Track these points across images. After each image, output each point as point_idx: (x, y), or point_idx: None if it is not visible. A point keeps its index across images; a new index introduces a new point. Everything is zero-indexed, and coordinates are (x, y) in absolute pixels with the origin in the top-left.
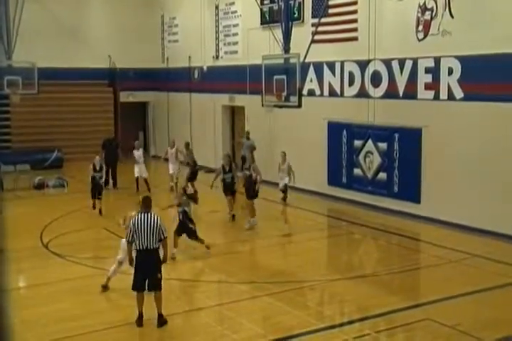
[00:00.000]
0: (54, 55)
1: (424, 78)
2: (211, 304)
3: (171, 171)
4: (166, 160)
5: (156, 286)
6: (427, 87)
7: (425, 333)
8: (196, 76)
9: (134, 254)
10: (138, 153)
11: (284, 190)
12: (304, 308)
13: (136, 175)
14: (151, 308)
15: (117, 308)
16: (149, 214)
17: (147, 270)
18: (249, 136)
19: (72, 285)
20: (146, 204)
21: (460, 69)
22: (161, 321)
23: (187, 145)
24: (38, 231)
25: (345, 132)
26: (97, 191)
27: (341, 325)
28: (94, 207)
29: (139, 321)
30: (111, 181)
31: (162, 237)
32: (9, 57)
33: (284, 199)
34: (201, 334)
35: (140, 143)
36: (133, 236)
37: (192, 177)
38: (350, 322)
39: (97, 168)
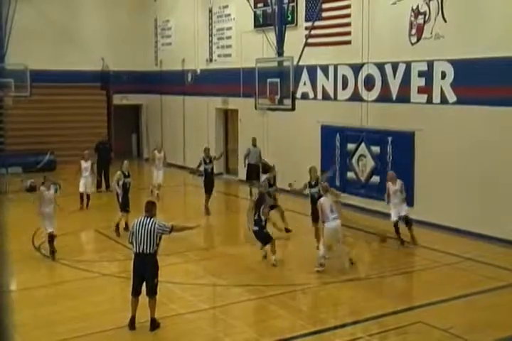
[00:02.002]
0: (47, 57)
1: (417, 82)
2: (204, 307)
3: (155, 180)
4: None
5: (152, 291)
6: (420, 90)
7: (418, 336)
8: (190, 79)
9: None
10: (85, 165)
11: (408, 221)
12: (297, 311)
13: (80, 190)
14: (144, 311)
15: (110, 311)
16: (148, 219)
17: (143, 274)
18: (255, 143)
19: (65, 288)
20: (147, 209)
21: (453, 73)
22: (154, 325)
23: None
24: (29, 234)
25: (338, 135)
26: (127, 201)
27: (334, 328)
28: (126, 226)
29: (132, 324)
30: (104, 183)
31: (168, 232)
32: (1, 59)
33: (413, 238)
34: (194, 337)
35: (90, 153)
36: (131, 238)
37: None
38: (343, 326)
39: (127, 174)
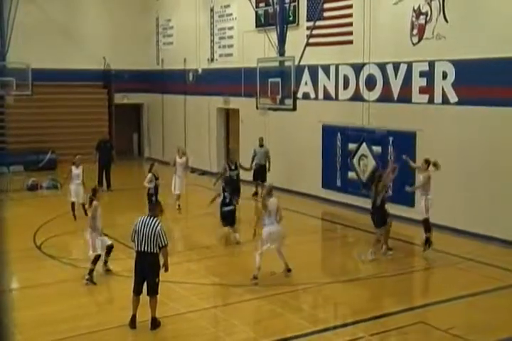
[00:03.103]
0: (48, 56)
1: (418, 82)
2: (205, 306)
3: (177, 190)
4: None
5: (152, 290)
6: (422, 90)
7: (418, 336)
8: (191, 78)
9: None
10: (77, 172)
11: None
12: (297, 311)
13: (72, 200)
14: (145, 310)
15: (111, 310)
16: (151, 219)
17: (143, 272)
18: (262, 143)
19: (66, 286)
20: (151, 209)
21: (454, 74)
22: (155, 323)
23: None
24: (31, 232)
25: (339, 135)
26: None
27: (334, 328)
28: None
29: (132, 323)
30: (105, 183)
31: (161, 245)
32: (3, 58)
33: (427, 242)
34: (195, 336)
35: (81, 159)
36: (133, 236)
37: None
38: (344, 326)
39: (157, 176)
